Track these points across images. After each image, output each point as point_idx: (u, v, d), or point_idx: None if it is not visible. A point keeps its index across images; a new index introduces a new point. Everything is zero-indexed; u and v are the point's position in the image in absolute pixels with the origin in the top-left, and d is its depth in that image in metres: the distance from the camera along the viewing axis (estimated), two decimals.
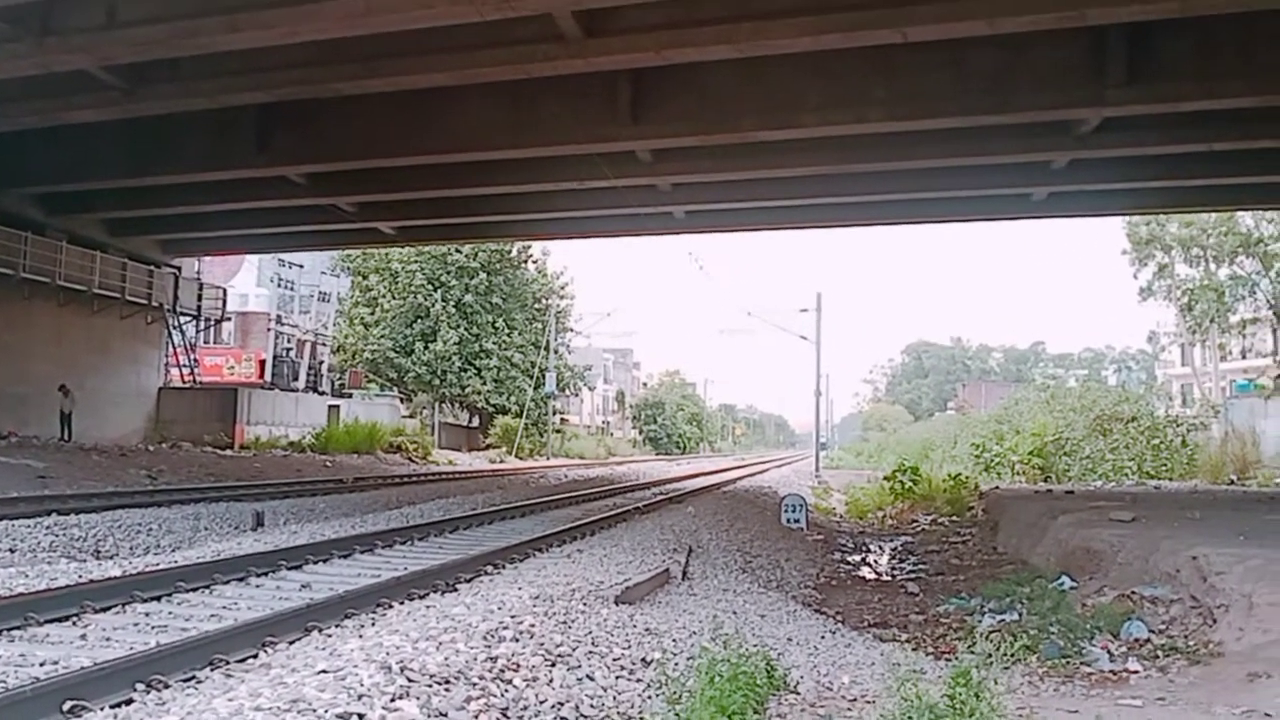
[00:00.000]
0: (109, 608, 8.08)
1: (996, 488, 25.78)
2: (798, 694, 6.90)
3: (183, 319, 35.34)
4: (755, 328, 63.85)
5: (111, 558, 12.22)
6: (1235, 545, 10.79)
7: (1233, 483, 26.27)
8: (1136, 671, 8.33)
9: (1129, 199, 24.62)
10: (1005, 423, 36.48)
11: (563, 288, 60.51)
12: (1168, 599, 10.01)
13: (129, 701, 5.52)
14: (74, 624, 7.57)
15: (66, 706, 5.20)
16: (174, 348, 35.48)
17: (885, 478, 30.57)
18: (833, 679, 7.70)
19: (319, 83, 16.75)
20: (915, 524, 23.95)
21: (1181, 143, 18.29)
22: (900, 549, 19.42)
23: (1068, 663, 8.66)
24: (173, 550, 13.03)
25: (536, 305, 57.90)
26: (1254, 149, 18.67)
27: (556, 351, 57.22)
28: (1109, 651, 8.90)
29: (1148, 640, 9.10)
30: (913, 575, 15.94)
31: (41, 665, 6.20)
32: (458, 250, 50.79)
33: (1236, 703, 6.94)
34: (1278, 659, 7.79)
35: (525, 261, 56.98)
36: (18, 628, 7.20)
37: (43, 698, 5.19)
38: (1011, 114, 16.83)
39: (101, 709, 5.29)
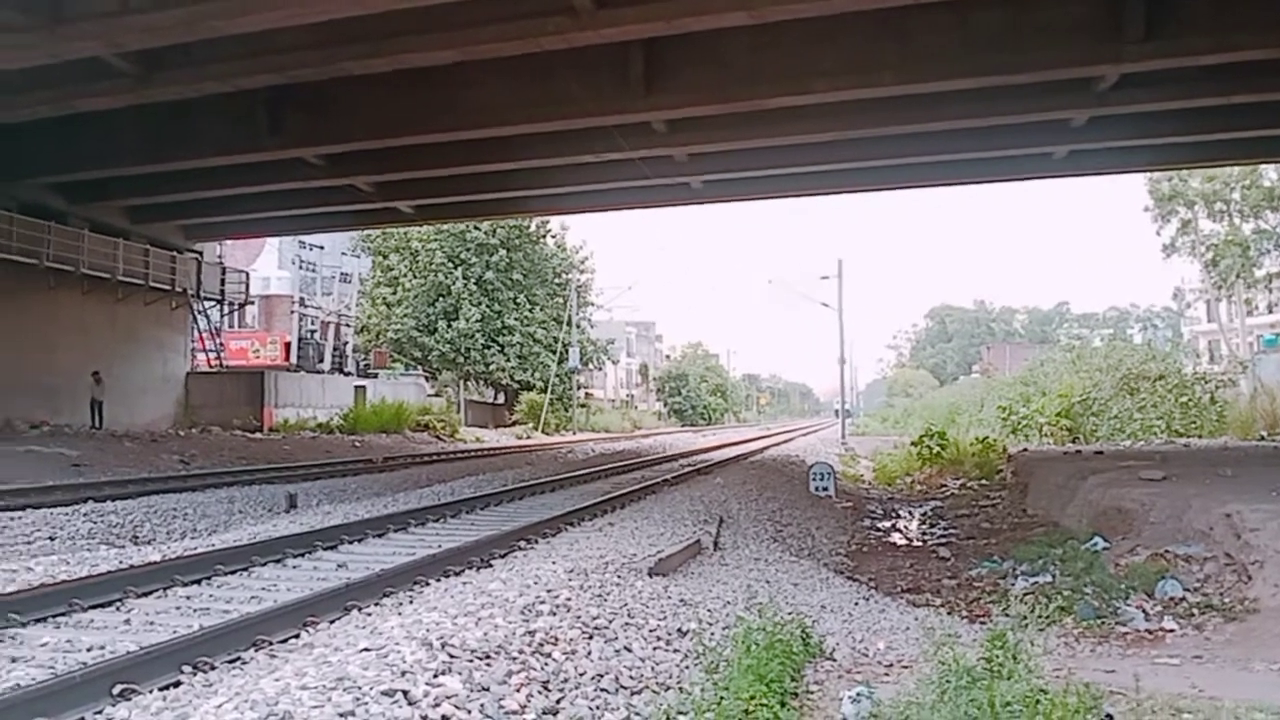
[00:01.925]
0: (150, 592, 8.19)
1: (1025, 450, 25.69)
2: (834, 660, 6.95)
3: (207, 304, 35.50)
4: (777, 296, 63.85)
5: (149, 543, 12.39)
6: (1268, 501, 10.73)
7: (1263, 439, 26.09)
8: (1172, 630, 8.34)
9: (1150, 155, 24.39)
10: (1031, 384, 36.31)
11: (583, 262, 60.50)
12: (1201, 557, 9.99)
13: (177, 684, 5.61)
14: (117, 609, 7.68)
15: (116, 690, 5.29)
16: (199, 332, 35.69)
17: (912, 443, 30.50)
18: (868, 645, 7.74)
19: (330, 63, 16.76)
20: (944, 488, 23.92)
21: (1201, 97, 18.10)
22: (930, 514, 19.41)
23: (1103, 623, 8.67)
24: (209, 534, 13.20)
25: (557, 280, 57.89)
26: (1274, 100, 18.45)
27: (579, 326, 57.26)
28: (1144, 611, 8.91)
29: (1183, 599, 9.10)
30: (943, 540, 15.93)
31: (89, 650, 6.31)
32: (477, 227, 50.80)
33: (1275, 658, 6.95)
34: None
35: (544, 237, 56.96)
36: (63, 614, 7.32)
37: (93, 682, 5.28)
38: (1025, 73, 16.68)
39: (150, 691, 5.38)
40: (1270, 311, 63.97)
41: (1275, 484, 12.40)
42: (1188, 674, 6.64)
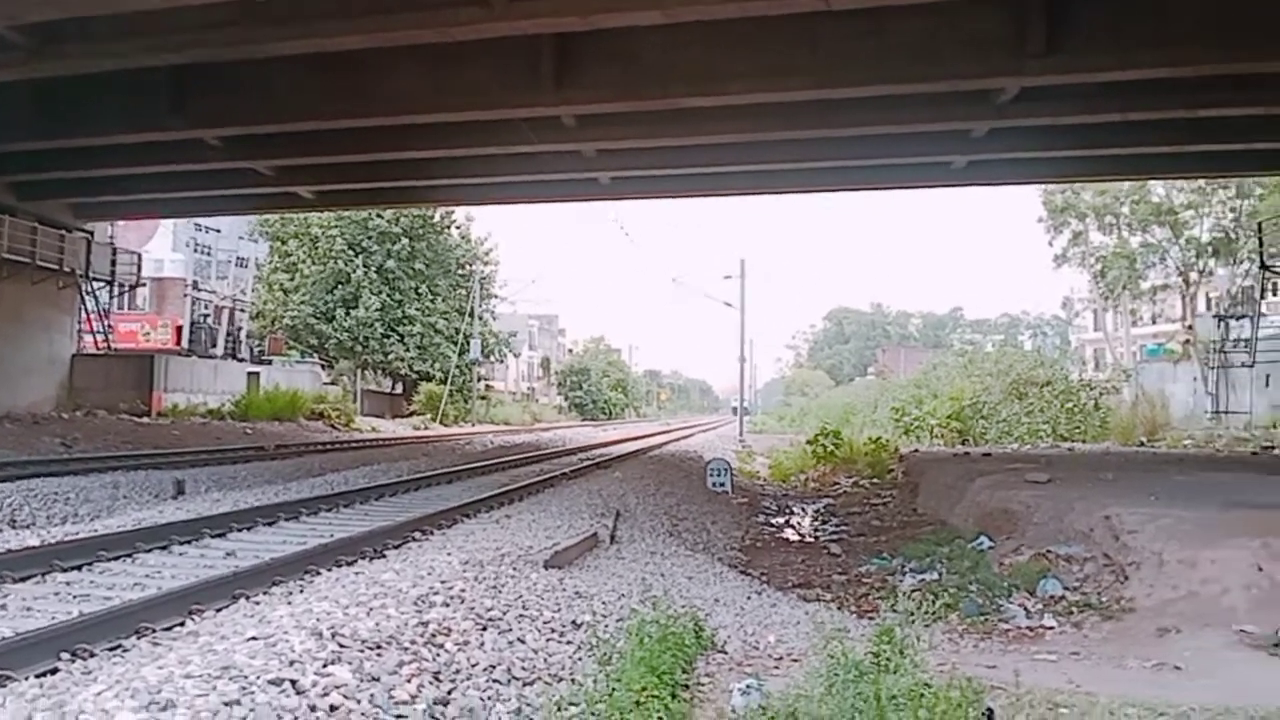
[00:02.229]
0: (28, 577, 7.95)
1: (916, 450, 26.26)
2: (725, 653, 7.02)
3: (96, 285, 34.39)
4: (681, 294, 64.37)
5: (28, 527, 11.98)
6: (1146, 505, 11.14)
7: (1143, 444, 27.05)
8: (1052, 627, 8.61)
9: (1046, 168, 25.05)
10: (924, 387, 37.14)
11: (487, 254, 60.02)
12: (1082, 557, 10.33)
13: (54, 671, 5.45)
14: None
15: None
16: (87, 314, 34.55)
17: (807, 442, 30.94)
18: (759, 638, 7.84)
19: (234, 44, 16.30)
20: (837, 486, 24.31)
21: (1097, 113, 18.62)
22: (823, 511, 19.71)
23: (986, 620, 8.92)
24: (92, 519, 12.80)
25: (460, 271, 57.36)
26: (1167, 119, 19.08)
27: (481, 318, 56.85)
28: (1025, 608, 9.18)
29: (1063, 597, 9.40)
30: (835, 536, 16.20)
31: None
32: (379, 216, 50.11)
33: (1148, 656, 7.21)
34: (1186, 614, 8.10)
35: (448, 227, 56.39)
36: None
37: None
38: (933, 83, 16.98)
39: (26, 678, 5.22)
40: (1154, 322, 66.22)
41: (1153, 489, 12.88)
42: (1065, 670, 6.86)
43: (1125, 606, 8.79)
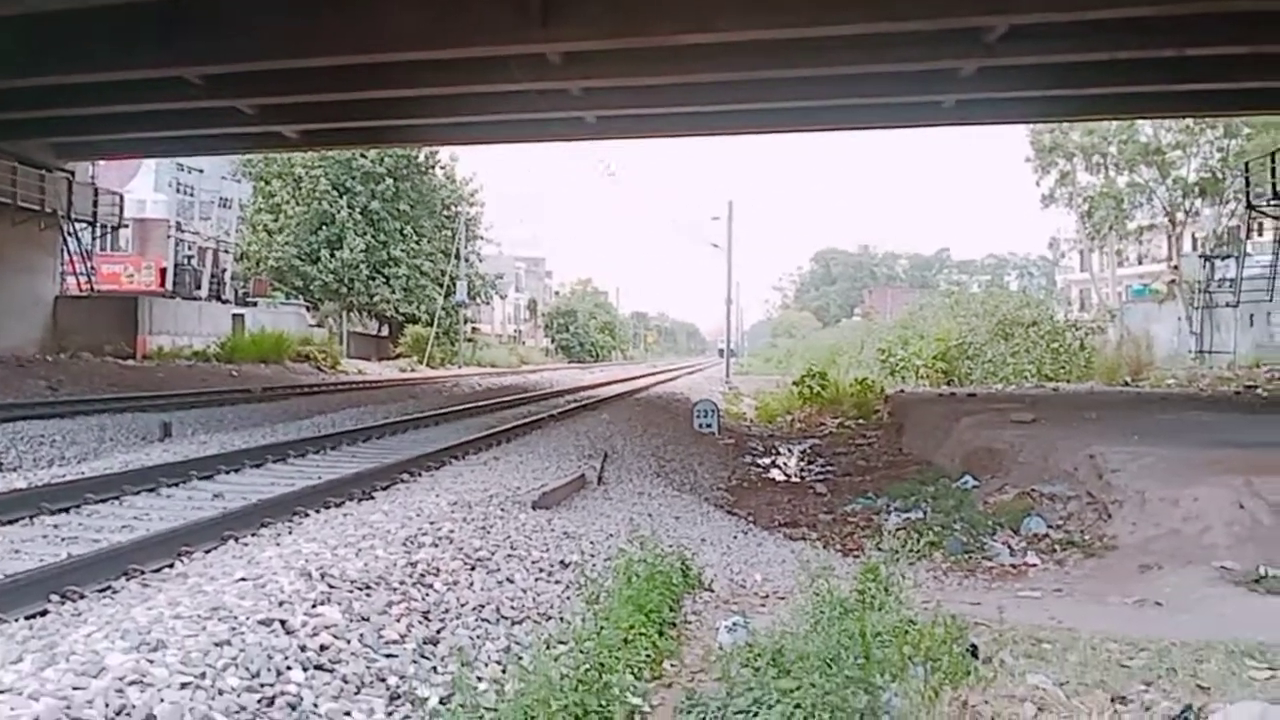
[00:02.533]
0: (15, 520, 7.96)
1: (902, 391, 26.36)
2: (712, 591, 7.08)
3: (78, 225, 34.07)
4: (668, 236, 64.15)
5: (15, 470, 11.95)
6: (1130, 444, 11.23)
7: (1127, 384, 27.21)
8: (1035, 565, 8.71)
9: (1035, 107, 24.91)
10: (910, 328, 37.16)
11: (472, 194, 59.58)
12: (1065, 496, 10.42)
13: (44, 613, 5.48)
14: None
15: None
16: (69, 255, 34.27)
17: (794, 383, 31.05)
18: (745, 577, 7.91)
19: None
20: (823, 427, 24.44)
21: (1086, 51, 18.49)
22: (809, 451, 19.83)
23: (970, 558, 9.02)
24: (78, 462, 12.79)
25: (446, 213, 56.96)
26: (1156, 58, 18.96)
27: (467, 259, 56.60)
28: (1009, 546, 9.28)
29: (1046, 535, 9.50)
30: (821, 476, 16.31)
31: None
32: (363, 156, 49.62)
33: (1129, 592, 7.30)
34: (1168, 551, 8.19)
35: (433, 168, 55.88)
36: None
37: None
38: (923, 20, 16.83)
39: (16, 620, 5.25)
40: (1140, 263, 66.35)
41: (1137, 428, 12.98)
42: (1048, 606, 6.94)
43: (1108, 544, 8.90)
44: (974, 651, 4.95)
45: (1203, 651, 5.16)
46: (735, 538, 10.08)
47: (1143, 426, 13.24)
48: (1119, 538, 8.90)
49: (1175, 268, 48.29)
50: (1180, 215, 49.99)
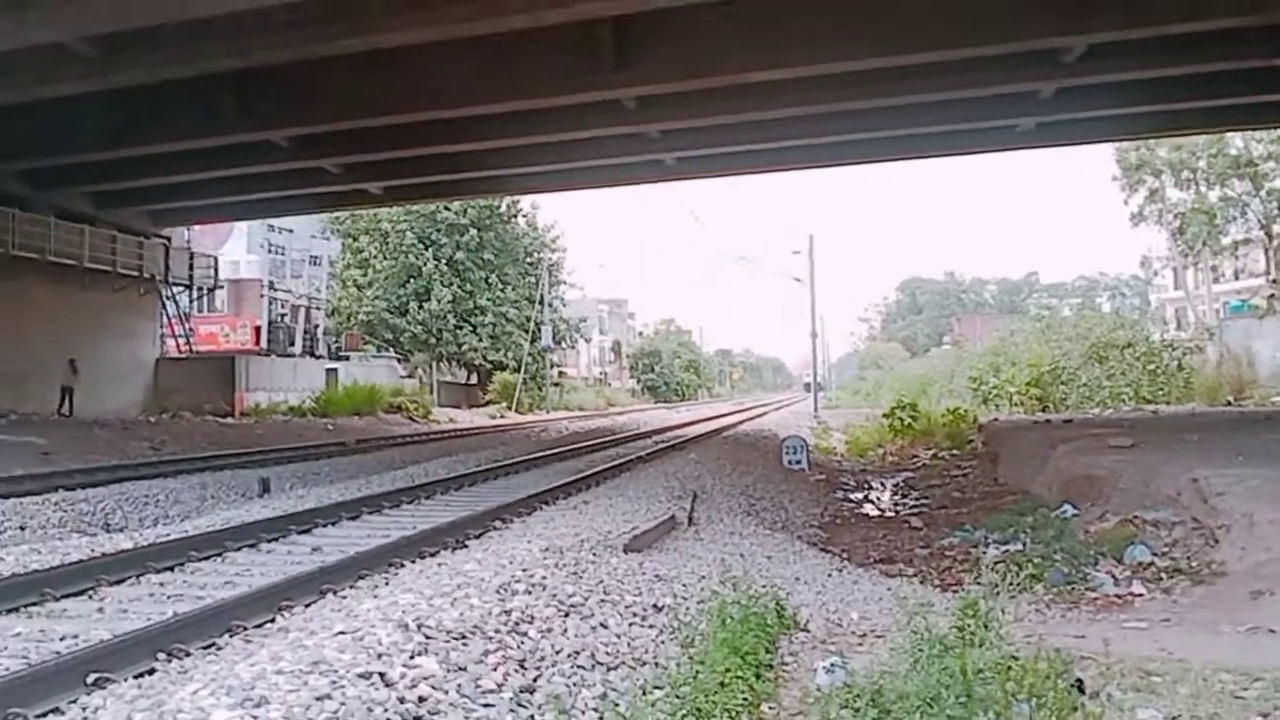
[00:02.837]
0: (123, 580, 8.16)
1: (995, 419, 25.91)
2: (808, 631, 7.00)
3: (175, 289, 35.18)
4: (749, 272, 64.16)
5: (121, 530, 12.31)
6: (1234, 466, 10.90)
7: (1229, 404, 26.43)
8: (1141, 594, 8.45)
9: (1117, 125, 24.50)
10: (1001, 355, 36.56)
11: (554, 240, 60.30)
12: (1169, 522, 10.12)
13: (151, 671, 5.60)
14: (90, 597, 7.65)
15: (91, 679, 5.27)
16: (168, 318, 35.38)
17: (884, 415, 30.68)
18: (842, 615, 7.80)
19: (298, 45, 16.56)
20: (916, 459, 24.10)
21: (1168, 66, 18.19)
22: (902, 485, 19.56)
23: (1073, 589, 8.79)
24: (182, 520, 13.12)
25: (529, 259, 57.67)
26: (1240, 69, 18.57)
27: (551, 304, 57.14)
28: (1113, 576, 9.03)
29: (1151, 563, 9.22)
30: (915, 510, 16.07)
31: (62, 640, 6.28)
32: (447, 208, 50.50)
33: (1241, 620, 7.05)
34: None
35: (515, 216, 56.69)
36: (35, 604, 7.27)
37: (66, 672, 5.27)
38: (997, 45, 16.72)
39: (125, 679, 5.36)
40: (1236, 278, 64.45)
41: (1241, 449, 12.60)
42: (1156, 637, 6.73)
43: (1216, 570, 8.61)
44: (1080, 686, 4.82)
45: None
46: (830, 576, 9.96)
47: (1247, 447, 12.84)
48: (1228, 564, 8.61)
49: (1275, 281, 46.87)
50: (1277, 228, 48.53)
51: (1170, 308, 76.02)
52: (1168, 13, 15.40)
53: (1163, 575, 8.84)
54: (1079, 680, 4.88)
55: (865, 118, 21.49)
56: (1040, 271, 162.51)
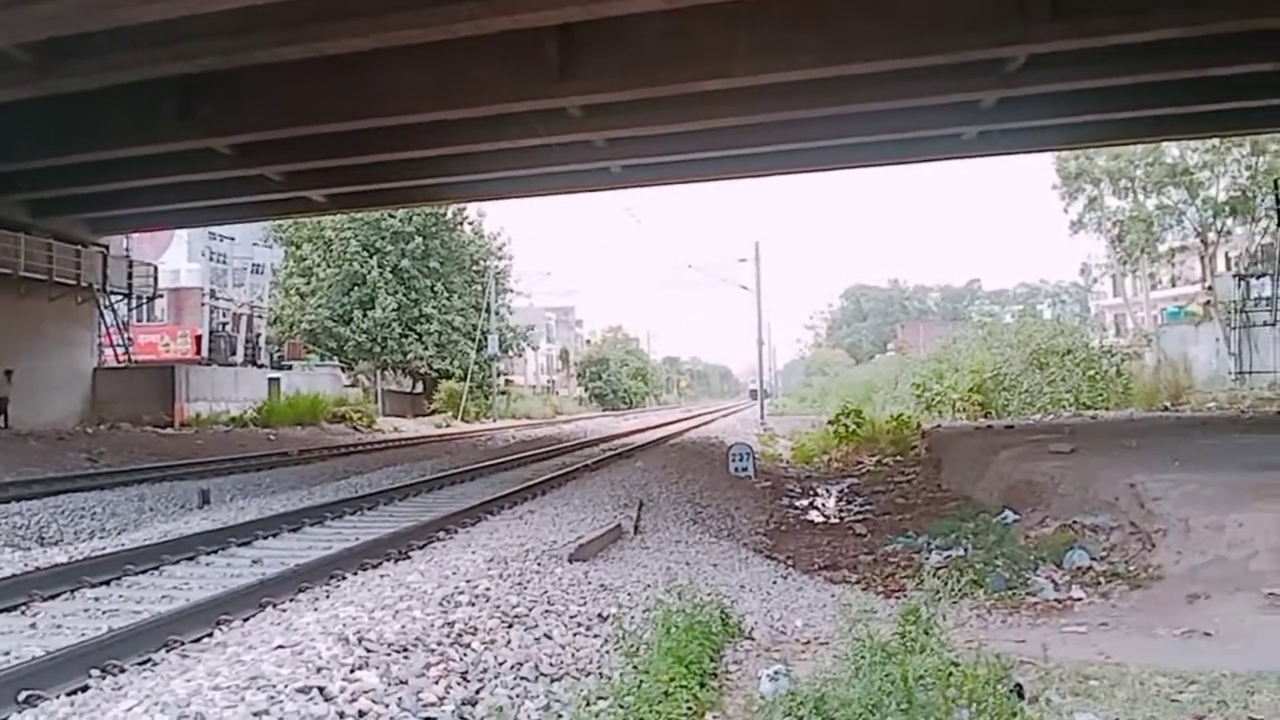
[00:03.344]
0: (57, 595, 8.01)
1: (938, 426, 26.17)
2: (753, 639, 7.01)
3: (114, 298, 34.63)
4: (696, 279, 64.61)
5: (56, 544, 12.05)
6: (1171, 471, 11.07)
7: (1167, 409, 26.91)
8: (1080, 599, 8.57)
9: (1058, 134, 24.85)
10: (944, 361, 36.93)
11: (500, 248, 60.07)
12: (1108, 527, 10.27)
13: (85, 689, 5.49)
14: (23, 613, 7.50)
15: (22, 697, 5.17)
16: (106, 327, 34.80)
17: (829, 422, 30.87)
18: (786, 623, 7.83)
19: (239, 51, 16.37)
20: (860, 466, 24.26)
21: (1107, 76, 18.48)
22: (847, 491, 19.68)
23: (1014, 594, 8.88)
24: (119, 533, 12.89)
25: (475, 267, 57.43)
26: (1178, 79, 18.91)
27: (497, 313, 56.94)
28: (1053, 581, 9.14)
29: (1090, 568, 9.35)
30: (860, 516, 16.17)
31: None
32: (391, 216, 50.17)
33: (1177, 623, 7.16)
34: (1215, 579, 8.04)
35: (461, 224, 56.42)
36: None
37: None
38: (941, 55, 16.89)
39: (58, 697, 5.26)
40: (1173, 285, 65.59)
41: (1178, 454, 12.80)
42: (1094, 641, 6.82)
43: (1153, 574, 8.74)
44: (1019, 691, 4.87)
45: (1255, 682, 5.06)
46: (775, 583, 9.99)
47: (1184, 452, 13.05)
48: (1164, 567, 8.74)
49: (1210, 289, 47.76)
50: (1212, 235, 49.46)
51: (1109, 314, 77.30)
52: (1106, 23, 15.65)
53: (1101, 580, 8.96)
54: (1018, 685, 4.93)
55: (811, 127, 21.63)
56: (982, 279, 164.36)
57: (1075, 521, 10.70)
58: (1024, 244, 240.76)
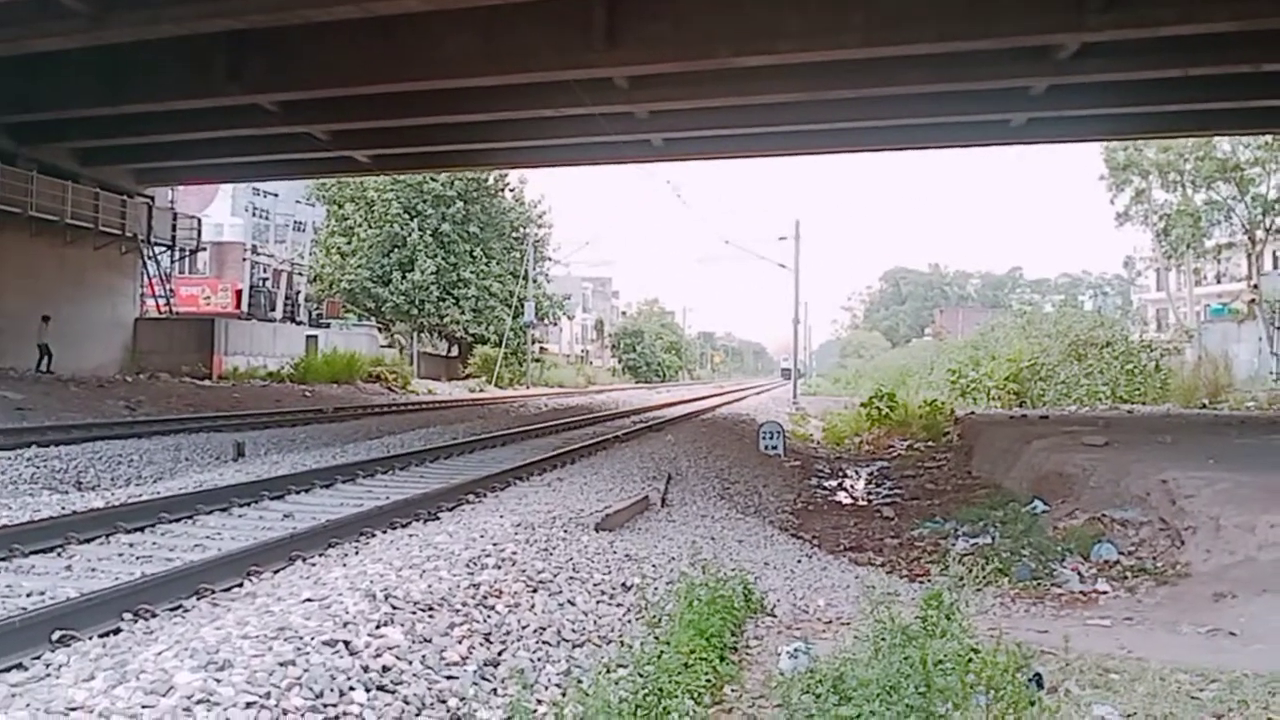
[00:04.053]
0: (93, 539, 8.13)
1: (972, 413, 26.01)
2: (774, 616, 7.04)
3: (157, 249, 35.00)
4: (734, 255, 64.92)
5: (93, 489, 12.26)
6: (1205, 469, 10.98)
7: (1204, 406, 26.60)
8: (1106, 592, 8.54)
9: (1107, 124, 24.60)
10: (981, 348, 36.66)
11: (540, 216, 60.14)
12: (1138, 521, 10.21)
13: (117, 631, 5.60)
14: (59, 555, 7.63)
15: (56, 636, 5.26)
16: (149, 278, 35.22)
17: (862, 404, 30.78)
18: (809, 602, 7.85)
19: (290, 9, 16.51)
20: (891, 449, 24.20)
21: (1160, 68, 18.27)
22: (876, 474, 19.64)
23: (1039, 584, 8.87)
24: (155, 481, 13.08)
25: (514, 234, 57.53)
26: (1231, 74, 18.67)
27: (535, 280, 57.05)
28: (1079, 573, 9.11)
29: (1117, 562, 9.31)
30: (888, 500, 16.14)
31: (29, 596, 6.27)
32: (434, 179, 50.30)
33: (1202, 621, 7.12)
34: (1243, 579, 7.98)
35: (502, 190, 56.50)
36: (3, 559, 7.24)
37: (32, 628, 5.25)
38: (991, 39, 16.75)
39: (90, 638, 5.36)
40: (1218, 281, 64.80)
41: (1213, 451, 12.69)
42: (1118, 635, 6.80)
43: (1181, 571, 8.70)
44: (1039, 681, 4.87)
45: (1276, 684, 5.03)
46: (799, 562, 10.01)
47: (1219, 450, 12.93)
48: (1192, 565, 8.70)
49: (1255, 286, 47.08)
50: (1260, 233, 48.79)
51: (1152, 308, 76.47)
52: (1162, 14, 15.44)
53: (1128, 574, 8.92)
54: (1038, 675, 4.93)
55: (857, 106, 21.50)
56: (1024, 267, 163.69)
57: (1105, 515, 10.65)
58: (1068, 234, 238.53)
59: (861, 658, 4.90)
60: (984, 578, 7.19)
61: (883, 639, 4.98)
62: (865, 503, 16.26)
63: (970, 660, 4.68)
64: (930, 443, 23.82)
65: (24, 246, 27.88)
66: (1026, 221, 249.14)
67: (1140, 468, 11.57)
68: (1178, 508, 9.75)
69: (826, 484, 18.39)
